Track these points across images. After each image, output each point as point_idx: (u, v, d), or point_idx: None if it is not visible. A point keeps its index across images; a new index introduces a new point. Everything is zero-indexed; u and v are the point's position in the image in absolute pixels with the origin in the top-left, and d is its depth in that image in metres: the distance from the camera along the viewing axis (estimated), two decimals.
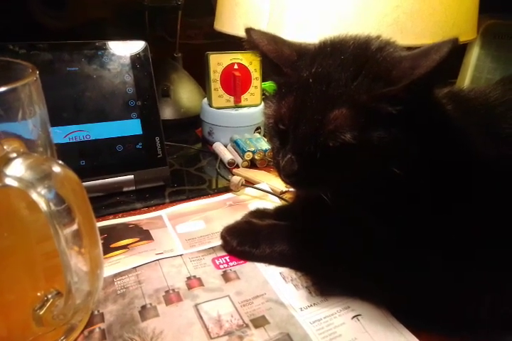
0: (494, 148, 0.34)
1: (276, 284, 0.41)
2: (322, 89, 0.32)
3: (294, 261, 0.43)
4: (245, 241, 0.44)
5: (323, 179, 0.34)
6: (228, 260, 0.45)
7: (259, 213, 0.50)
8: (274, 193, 0.58)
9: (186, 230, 0.50)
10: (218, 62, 0.71)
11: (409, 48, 0.37)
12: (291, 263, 0.43)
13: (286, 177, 0.35)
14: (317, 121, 0.31)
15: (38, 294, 0.30)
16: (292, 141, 0.33)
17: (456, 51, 0.30)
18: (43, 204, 0.24)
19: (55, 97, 0.51)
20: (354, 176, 0.33)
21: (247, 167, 0.67)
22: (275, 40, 0.38)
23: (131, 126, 0.57)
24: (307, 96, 0.32)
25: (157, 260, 0.44)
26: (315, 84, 0.32)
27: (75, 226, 0.25)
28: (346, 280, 0.40)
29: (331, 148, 0.31)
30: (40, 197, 0.24)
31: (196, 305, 0.38)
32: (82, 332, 0.35)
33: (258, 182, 0.61)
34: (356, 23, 0.55)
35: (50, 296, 0.29)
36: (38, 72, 0.29)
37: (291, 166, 0.34)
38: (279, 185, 0.60)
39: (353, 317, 0.38)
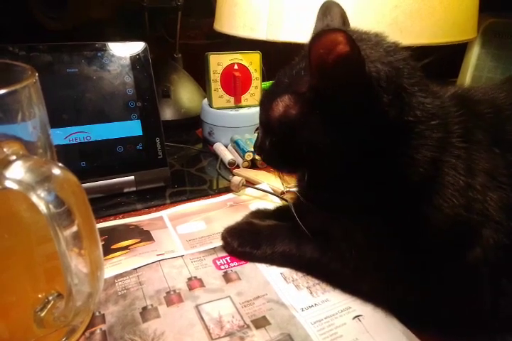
0: (501, 158, 0.33)
1: (277, 285, 0.41)
2: (284, 81, 0.37)
3: (295, 262, 0.43)
4: (246, 242, 0.44)
5: (286, 160, 0.38)
6: (229, 260, 0.45)
7: (259, 213, 0.50)
8: (274, 193, 0.58)
9: (187, 231, 0.50)
10: (218, 62, 0.71)
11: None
12: (292, 263, 0.43)
13: (257, 152, 0.43)
14: (269, 106, 0.37)
15: (39, 296, 0.30)
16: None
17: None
18: (42, 207, 0.24)
19: (55, 99, 0.52)
20: (307, 162, 0.36)
21: (247, 167, 0.67)
22: None
23: (132, 127, 0.57)
24: (274, 87, 0.39)
25: (158, 261, 0.44)
26: (282, 77, 0.38)
27: (74, 228, 0.25)
28: (348, 281, 0.40)
29: (278, 130, 0.37)
30: (40, 199, 0.24)
31: (197, 306, 0.38)
32: (83, 333, 0.35)
33: (259, 183, 0.61)
34: (355, 23, 0.55)
35: (51, 298, 0.29)
36: (37, 74, 0.29)
37: (256, 142, 0.42)
38: (280, 185, 0.60)
39: (354, 317, 0.38)
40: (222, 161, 0.69)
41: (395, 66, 0.33)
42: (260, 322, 0.37)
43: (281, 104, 0.36)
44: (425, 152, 0.33)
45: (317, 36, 0.30)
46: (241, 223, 0.47)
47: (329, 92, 0.32)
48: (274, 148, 0.39)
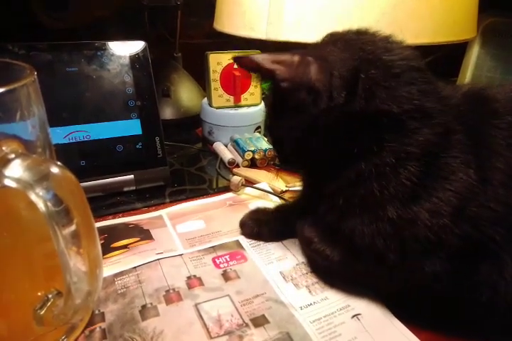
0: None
1: (277, 283, 0.41)
2: None
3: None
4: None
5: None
6: (228, 259, 0.45)
7: (259, 212, 0.50)
8: (274, 193, 0.58)
9: (186, 230, 0.50)
10: (218, 61, 0.71)
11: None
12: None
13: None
14: None
15: (39, 294, 0.30)
16: None
17: None
18: (41, 205, 0.24)
19: (54, 98, 0.52)
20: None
21: (247, 166, 0.67)
22: None
23: (131, 126, 0.57)
24: None
25: (157, 260, 0.44)
26: None
27: (73, 227, 0.25)
28: (347, 279, 0.40)
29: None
30: (38, 197, 0.24)
31: (196, 305, 0.38)
32: (83, 331, 0.35)
33: (258, 182, 0.61)
34: (355, 22, 0.55)
35: (50, 296, 0.29)
36: (36, 73, 0.29)
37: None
38: (280, 184, 0.60)
39: (353, 316, 0.38)
40: (221, 160, 0.69)
41: (361, 63, 0.34)
42: (259, 321, 0.37)
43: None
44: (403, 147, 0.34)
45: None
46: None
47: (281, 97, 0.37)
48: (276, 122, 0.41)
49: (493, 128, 0.34)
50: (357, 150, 0.35)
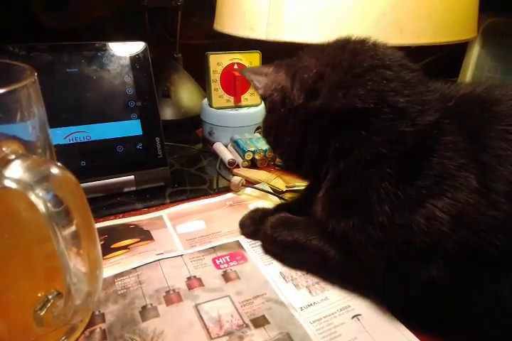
0: None
1: (277, 284, 0.41)
2: None
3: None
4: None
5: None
6: (228, 260, 0.45)
7: (258, 212, 0.50)
8: (274, 193, 0.58)
9: (187, 230, 0.50)
10: (218, 62, 0.71)
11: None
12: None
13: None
14: None
15: (39, 295, 0.30)
16: None
17: None
18: (41, 206, 0.24)
19: (55, 98, 0.52)
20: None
21: (247, 167, 0.67)
22: None
23: (132, 127, 0.57)
24: None
25: (157, 260, 0.44)
26: None
27: (73, 228, 0.25)
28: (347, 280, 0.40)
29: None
30: (38, 198, 0.24)
31: (196, 306, 0.38)
32: (83, 332, 0.35)
33: (258, 182, 0.61)
34: (355, 22, 0.55)
35: (50, 297, 0.29)
36: (36, 74, 0.29)
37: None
38: (280, 184, 0.60)
39: (353, 316, 0.38)
40: (222, 161, 0.69)
41: (325, 67, 0.37)
42: (259, 322, 0.37)
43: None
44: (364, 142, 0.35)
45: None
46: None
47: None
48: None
49: (496, 132, 0.33)
50: (332, 150, 0.37)
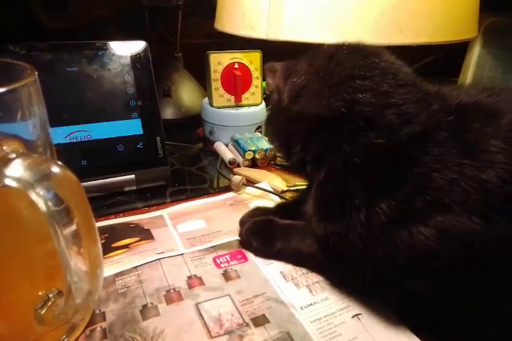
0: None
1: (277, 283, 0.41)
2: None
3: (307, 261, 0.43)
4: (265, 240, 0.45)
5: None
6: (229, 259, 0.45)
7: (258, 211, 0.50)
8: (274, 192, 0.58)
9: (187, 229, 0.50)
10: (219, 61, 0.71)
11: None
12: (305, 263, 0.43)
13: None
14: None
15: (39, 293, 0.30)
16: None
17: None
18: (42, 205, 0.24)
19: (55, 98, 0.52)
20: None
21: (248, 166, 0.67)
22: None
23: (132, 126, 0.57)
24: None
25: (158, 259, 0.44)
26: None
27: (74, 227, 0.25)
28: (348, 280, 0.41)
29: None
30: (39, 197, 0.24)
31: (197, 304, 0.38)
32: (83, 331, 0.36)
33: (259, 182, 0.61)
34: (355, 22, 0.55)
35: (51, 295, 0.29)
36: (36, 73, 0.29)
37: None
38: (280, 184, 0.61)
39: (354, 316, 0.38)
40: (222, 160, 0.69)
41: (310, 76, 0.39)
42: (259, 321, 0.37)
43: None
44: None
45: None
46: (260, 221, 0.47)
47: None
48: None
49: (496, 146, 0.31)
50: (310, 154, 0.39)
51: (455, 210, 0.30)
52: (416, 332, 0.36)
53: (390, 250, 0.32)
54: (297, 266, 0.44)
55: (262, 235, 0.45)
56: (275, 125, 0.44)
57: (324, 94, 0.37)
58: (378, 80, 0.35)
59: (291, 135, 0.40)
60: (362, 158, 0.34)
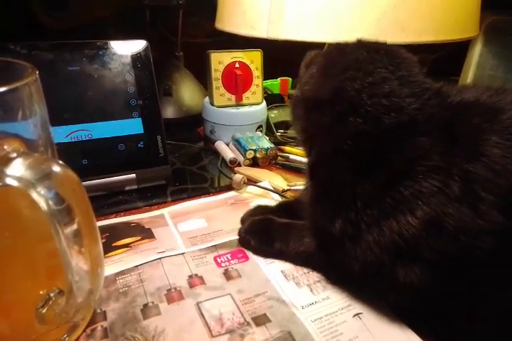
0: None
1: (278, 282, 0.41)
2: None
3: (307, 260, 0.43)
4: (264, 239, 0.45)
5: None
6: (230, 258, 0.45)
7: (260, 210, 0.50)
8: (275, 191, 0.58)
9: (188, 228, 0.51)
10: (219, 60, 0.71)
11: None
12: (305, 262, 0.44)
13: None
14: None
15: (41, 292, 0.30)
16: None
17: None
18: (43, 204, 0.24)
19: (56, 97, 0.52)
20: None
21: (248, 165, 0.67)
22: None
23: (133, 125, 0.57)
24: None
25: (159, 258, 0.44)
26: None
27: (75, 226, 0.25)
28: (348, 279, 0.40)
29: None
30: (40, 196, 0.24)
31: (198, 304, 0.38)
32: (84, 330, 0.36)
33: (260, 181, 0.61)
34: (356, 21, 0.55)
35: (52, 294, 0.29)
36: (37, 72, 0.29)
37: None
38: (281, 183, 0.60)
39: (355, 315, 0.38)
40: (223, 159, 0.69)
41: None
42: (260, 320, 0.37)
43: None
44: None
45: None
46: (258, 220, 0.47)
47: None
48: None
49: (492, 141, 0.31)
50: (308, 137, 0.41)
51: (440, 199, 0.31)
52: (417, 331, 0.36)
53: (378, 238, 0.33)
54: (295, 264, 0.44)
55: (261, 234, 0.46)
56: (291, 106, 0.46)
57: (322, 81, 0.39)
58: (373, 72, 0.36)
59: (298, 116, 0.43)
60: (347, 143, 0.35)
